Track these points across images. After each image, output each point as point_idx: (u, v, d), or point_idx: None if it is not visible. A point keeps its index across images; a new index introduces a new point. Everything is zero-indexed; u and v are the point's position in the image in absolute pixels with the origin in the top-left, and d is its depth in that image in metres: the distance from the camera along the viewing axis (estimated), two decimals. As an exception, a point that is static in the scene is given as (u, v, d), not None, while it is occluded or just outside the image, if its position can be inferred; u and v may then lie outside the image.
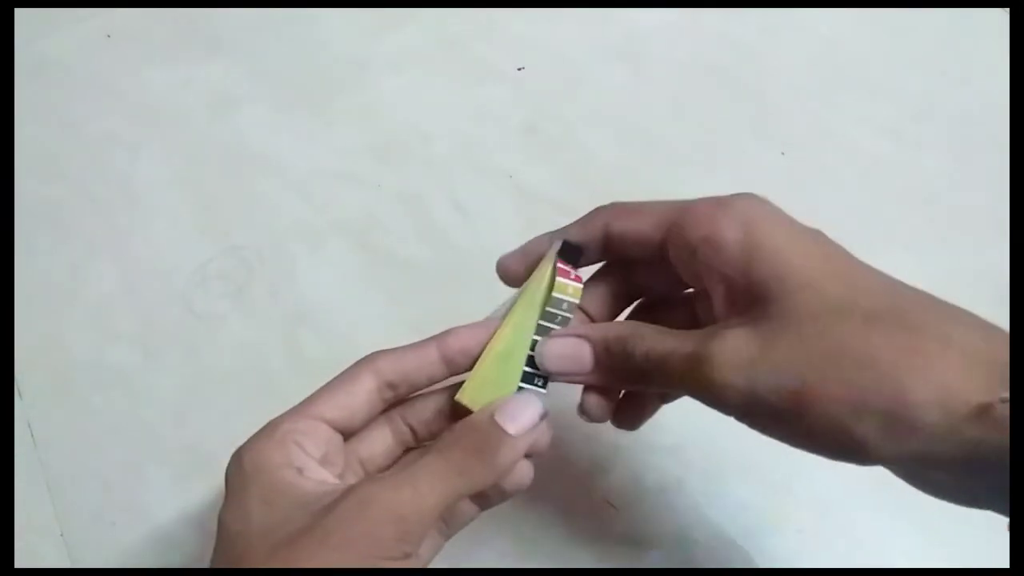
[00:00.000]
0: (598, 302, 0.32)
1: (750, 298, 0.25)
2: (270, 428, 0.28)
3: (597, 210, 0.30)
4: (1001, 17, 0.53)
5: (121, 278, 0.44)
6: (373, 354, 0.29)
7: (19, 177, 0.47)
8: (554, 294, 0.29)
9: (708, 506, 0.37)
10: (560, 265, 0.30)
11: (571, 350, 0.28)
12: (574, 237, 0.30)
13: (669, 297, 0.32)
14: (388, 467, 0.30)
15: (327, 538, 0.24)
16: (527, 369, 0.29)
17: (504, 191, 0.47)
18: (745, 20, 0.54)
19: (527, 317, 0.30)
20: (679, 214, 0.27)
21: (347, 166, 0.48)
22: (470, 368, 0.29)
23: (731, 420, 0.39)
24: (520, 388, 0.29)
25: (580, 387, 0.30)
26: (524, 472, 0.29)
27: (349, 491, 0.25)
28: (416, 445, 0.31)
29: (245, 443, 0.27)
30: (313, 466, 0.27)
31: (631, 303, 0.32)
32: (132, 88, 0.51)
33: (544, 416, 0.28)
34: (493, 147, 0.49)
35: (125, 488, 0.38)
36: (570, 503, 0.37)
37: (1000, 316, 0.24)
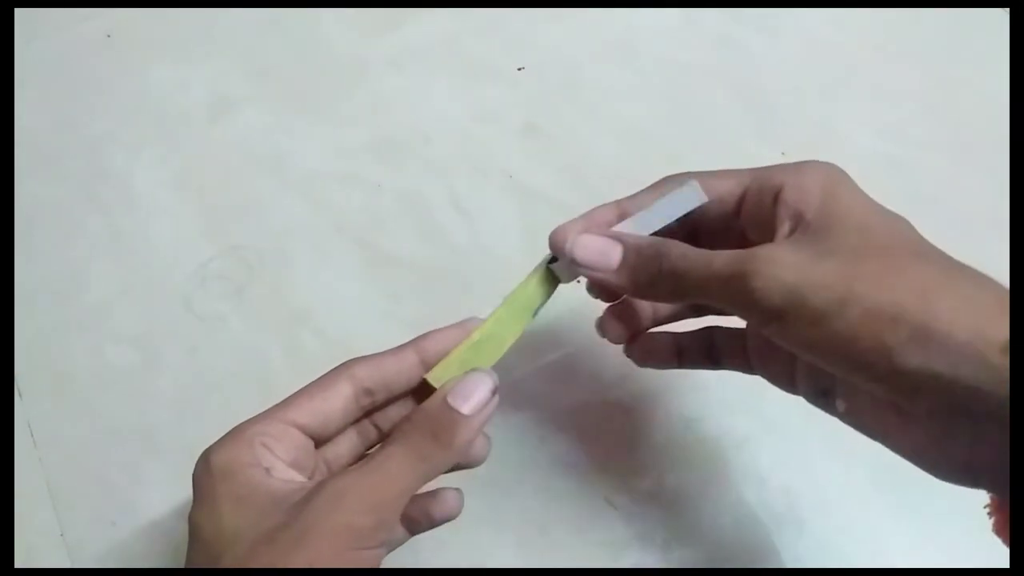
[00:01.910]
0: None
1: (810, 229, 0.26)
2: (238, 431, 0.28)
3: (671, 176, 0.31)
4: (1001, 17, 0.53)
5: (121, 278, 0.44)
6: (350, 361, 0.30)
7: (19, 177, 0.47)
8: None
9: (708, 506, 0.37)
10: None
11: (602, 244, 0.29)
12: (645, 201, 0.30)
13: None
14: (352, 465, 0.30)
15: (307, 532, 0.24)
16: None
17: (504, 191, 0.47)
18: (745, 20, 0.54)
19: (508, 314, 0.30)
20: (763, 170, 0.29)
21: (347, 166, 0.48)
22: None
23: (731, 421, 0.39)
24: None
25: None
26: (451, 503, 0.30)
27: (321, 485, 0.26)
28: (379, 441, 0.31)
29: (211, 445, 0.28)
30: (281, 467, 0.27)
31: None
32: (132, 88, 0.51)
33: (495, 391, 0.28)
34: (493, 147, 0.49)
35: (125, 488, 0.38)
36: (570, 503, 0.38)
37: (1000, 316, 0.24)
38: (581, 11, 0.54)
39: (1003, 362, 0.21)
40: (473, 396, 0.27)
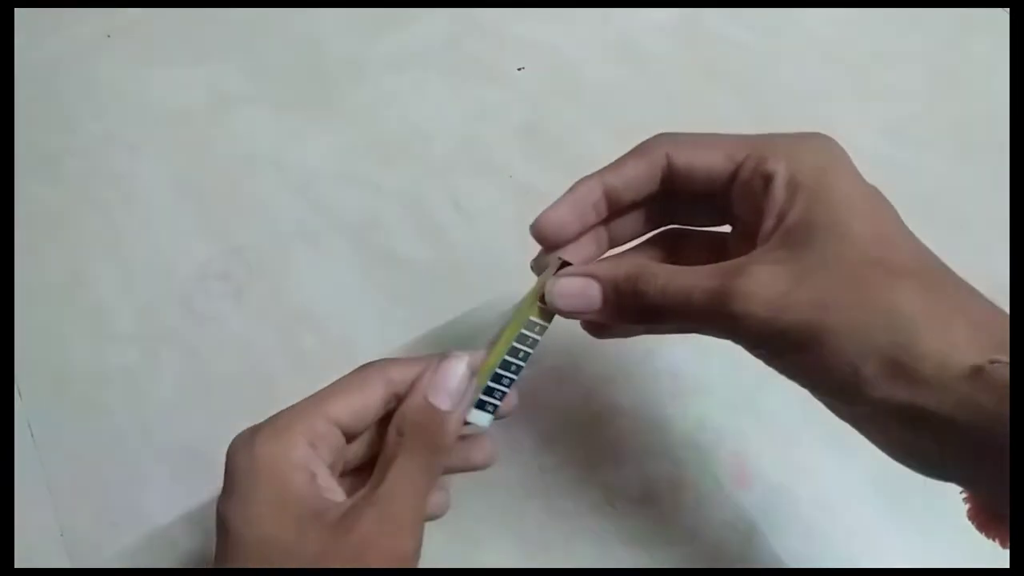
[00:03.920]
0: (625, 228, 0.32)
1: (791, 237, 0.26)
2: (286, 422, 0.27)
3: (655, 140, 0.30)
4: (1001, 17, 0.53)
5: (121, 278, 0.44)
6: (383, 362, 0.29)
7: (19, 177, 0.47)
8: (531, 318, 0.30)
9: (708, 506, 0.37)
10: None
11: (579, 289, 0.28)
12: (630, 173, 0.29)
13: (691, 232, 0.32)
14: (361, 464, 0.30)
15: (362, 559, 0.25)
16: (506, 357, 0.29)
17: (504, 191, 0.47)
18: (745, 20, 0.54)
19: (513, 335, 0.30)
20: (757, 148, 0.28)
21: (347, 166, 0.48)
22: None
23: (731, 422, 0.39)
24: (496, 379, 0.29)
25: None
26: (442, 503, 0.31)
27: (359, 512, 0.26)
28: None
29: (256, 433, 0.27)
30: (324, 473, 0.27)
31: (654, 229, 0.32)
32: (132, 88, 0.51)
33: (473, 373, 0.28)
34: (493, 147, 0.49)
35: (125, 488, 0.38)
36: (570, 503, 0.37)
37: (1000, 316, 0.24)
38: (581, 11, 0.54)
39: (965, 390, 0.22)
40: (449, 386, 0.28)
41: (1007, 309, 0.24)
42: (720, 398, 0.40)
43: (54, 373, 0.41)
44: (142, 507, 0.38)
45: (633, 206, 0.31)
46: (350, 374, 0.29)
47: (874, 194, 0.27)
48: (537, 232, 0.30)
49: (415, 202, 0.46)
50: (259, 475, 0.26)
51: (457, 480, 0.31)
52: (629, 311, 0.28)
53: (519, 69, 0.52)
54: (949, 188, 0.46)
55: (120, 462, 0.39)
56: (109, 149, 0.49)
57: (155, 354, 0.42)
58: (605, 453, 0.39)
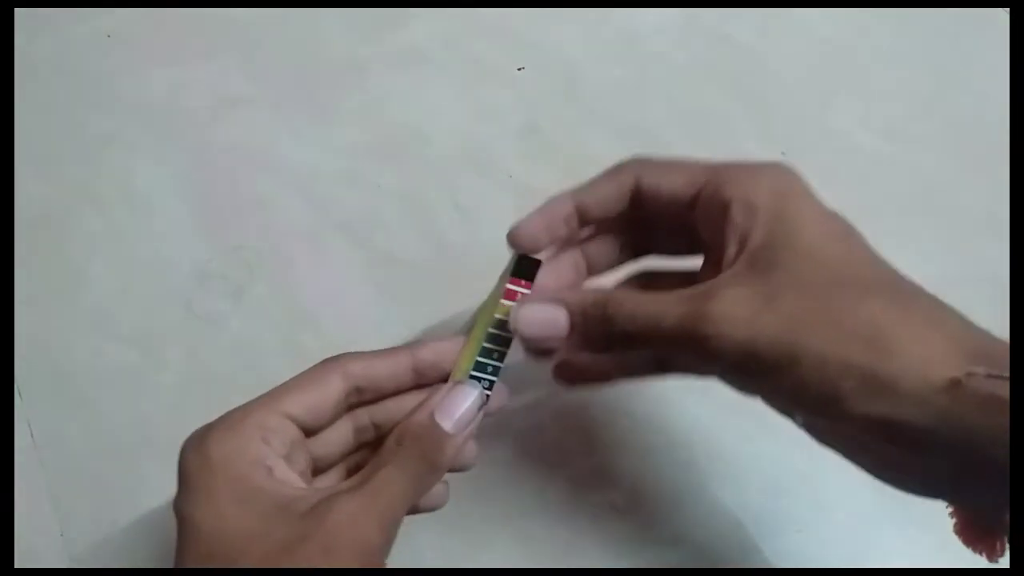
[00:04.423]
0: (602, 256, 0.32)
1: (757, 260, 0.26)
2: (237, 419, 0.27)
3: (625, 164, 0.30)
4: (1001, 17, 0.53)
5: (121, 278, 0.44)
6: (344, 356, 0.29)
7: (19, 177, 0.47)
8: (498, 315, 0.30)
9: (708, 506, 0.37)
10: (509, 286, 0.30)
11: (546, 315, 0.28)
12: (600, 192, 0.30)
13: (663, 273, 0.33)
14: (338, 462, 0.30)
15: (331, 548, 0.25)
16: (480, 359, 0.29)
17: (504, 191, 0.47)
18: (745, 20, 0.54)
19: (484, 335, 0.30)
20: (716, 174, 0.28)
21: (347, 166, 0.48)
22: (438, 381, 0.30)
23: (731, 422, 0.39)
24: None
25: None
26: (440, 493, 0.31)
27: (332, 503, 0.25)
28: (375, 438, 0.31)
29: (208, 431, 0.27)
30: (282, 467, 0.27)
31: (631, 258, 0.33)
32: (132, 88, 0.51)
33: (482, 407, 0.29)
34: (493, 147, 0.49)
35: (125, 488, 0.38)
36: (571, 503, 0.38)
37: (1000, 316, 0.24)
38: (581, 11, 0.54)
39: (944, 403, 0.22)
40: (457, 412, 0.28)
41: (1007, 309, 0.25)
42: (720, 398, 0.40)
43: (54, 373, 0.41)
44: (142, 507, 0.38)
45: (606, 226, 0.32)
46: (308, 369, 0.29)
47: (836, 216, 0.27)
48: (512, 241, 0.31)
49: (415, 202, 0.46)
50: (215, 473, 0.26)
51: (458, 481, 0.31)
52: (597, 338, 0.28)
53: (519, 69, 0.52)
54: (948, 188, 0.46)
55: (120, 462, 0.39)
56: (109, 149, 0.49)
57: (155, 354, 0.42)
58: (604, 453, 0.39)
